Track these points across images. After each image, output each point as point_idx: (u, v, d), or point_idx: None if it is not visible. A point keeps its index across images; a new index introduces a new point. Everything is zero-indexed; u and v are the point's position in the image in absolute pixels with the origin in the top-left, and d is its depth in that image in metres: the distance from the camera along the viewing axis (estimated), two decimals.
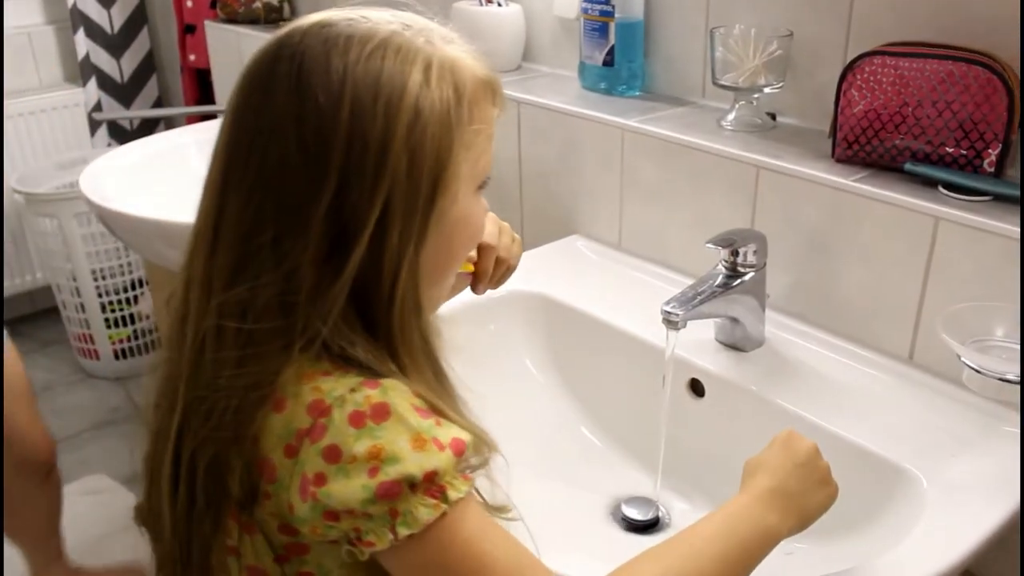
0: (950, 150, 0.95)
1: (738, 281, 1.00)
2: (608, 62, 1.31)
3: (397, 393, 0.58)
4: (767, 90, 1.13)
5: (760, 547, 0.68)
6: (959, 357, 0.83)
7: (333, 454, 0.57)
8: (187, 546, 0.63)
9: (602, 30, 1.29)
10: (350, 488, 0.56)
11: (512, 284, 1.22)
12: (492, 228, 0.84)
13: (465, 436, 0.60)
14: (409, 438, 0.57)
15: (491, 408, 1.12)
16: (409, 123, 0.58)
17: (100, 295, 2.42)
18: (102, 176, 1.64)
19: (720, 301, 0.99)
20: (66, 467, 0.95)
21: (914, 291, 0.96)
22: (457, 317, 0.97)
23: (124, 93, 2.70)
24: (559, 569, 0.64)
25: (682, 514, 1.02)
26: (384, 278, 0.60)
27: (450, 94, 0.61)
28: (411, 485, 0.56)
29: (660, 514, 1.02)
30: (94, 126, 2.64)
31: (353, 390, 0.58)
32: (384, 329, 0.61)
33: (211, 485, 0.61)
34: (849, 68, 0.99)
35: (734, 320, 1.03)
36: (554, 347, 1.19)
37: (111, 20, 2.61)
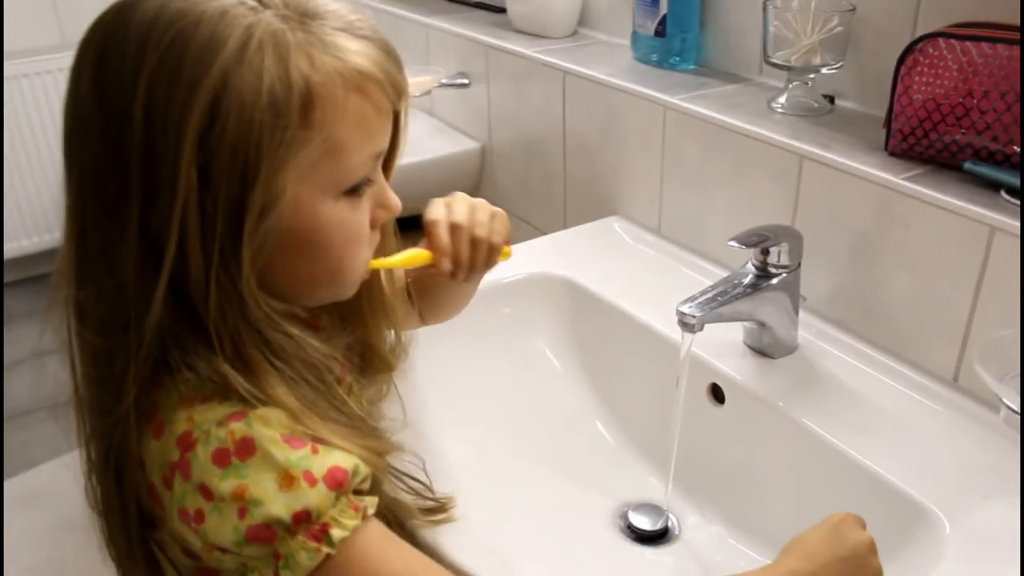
0: (1018, 149, 0.84)
1: (767, 283, 0.91)
2: (660, 32, 1.22)
3: (264, 424, 0.53)
4: (824, 70, 1.02)
5: None
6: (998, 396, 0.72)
7: (206, 492, 0.53)
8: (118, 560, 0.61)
9: None
10: (224, 528, 0.52)
11: (536, 266, 1.16)
12: (462, 206, 0.72)
13: (347, 462, 0.54)
14: (276, 476, 0.52)
15: (501, 392, 1.08)
16: (201, 130, 0.50)
17: None
18: None
19: (746, 303, 0.90)
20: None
21: (963, 307, 0.86)
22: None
23: None
24: None
25: (693, 527, 0.95)
26: (196, 299, 0.54)
27: (273, 90, 0.50)
28: (286, 527, 0.52)
29: (670, 524, 0.95)
30: None
31: (219, 423, 0.53)
32: (220, 348, 0.54)
33: (115, 501, 0.58)
34: (908, 51, 0.88)
35: (762, 324, 0.94)
36: (576, 335, 1.12)
37: None
